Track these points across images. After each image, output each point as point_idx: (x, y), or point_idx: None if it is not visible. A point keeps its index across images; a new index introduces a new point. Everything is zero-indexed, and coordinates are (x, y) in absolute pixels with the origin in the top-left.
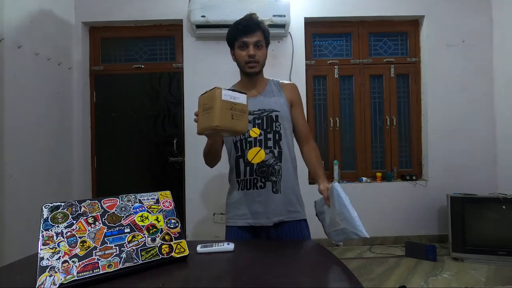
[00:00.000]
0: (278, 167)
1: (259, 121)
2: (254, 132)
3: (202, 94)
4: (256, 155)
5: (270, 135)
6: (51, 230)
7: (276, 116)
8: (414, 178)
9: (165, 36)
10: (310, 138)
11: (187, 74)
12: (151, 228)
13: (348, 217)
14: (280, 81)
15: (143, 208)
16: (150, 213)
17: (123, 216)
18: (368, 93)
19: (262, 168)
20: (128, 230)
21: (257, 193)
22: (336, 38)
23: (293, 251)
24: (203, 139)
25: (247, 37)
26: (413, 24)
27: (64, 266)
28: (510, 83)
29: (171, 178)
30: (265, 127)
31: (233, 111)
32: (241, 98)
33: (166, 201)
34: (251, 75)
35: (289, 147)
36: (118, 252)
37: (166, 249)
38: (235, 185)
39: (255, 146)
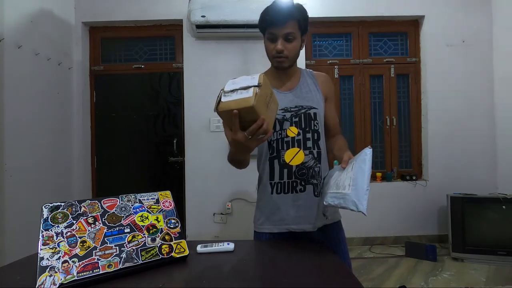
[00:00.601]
0: (318, 169)
1: (297, 119)
2: (292, 131)
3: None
4: (295, 156)
5: (309, 135)
6: (51, 230)
7: (315, 114)
8: (414, 178)
9: (165, 36)
10: (339, 134)
11: (187, 74)
12: (151, 228)
13: (360, 187)
14: (314, 72)
15: (143, 208)
16: (150, 213)
17: (123, 216)
18: (368, 93)
19: (301, 170)
20: (128, 230)
21: (296, 197)
22: (336, 38)
23: (293, 251)
24: (203, 139)
25: (276, 29)
26: (413, 24)
27: (64, 266)
28: (510, 83)
29: (171, 178)
30: (303, 126)
31: None
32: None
33: (166, 201)
34: (281, 69)
35: (324, 146)
36: (118, 252)
37: (166, 249)
38: (267, 188)
39: (292, 146)
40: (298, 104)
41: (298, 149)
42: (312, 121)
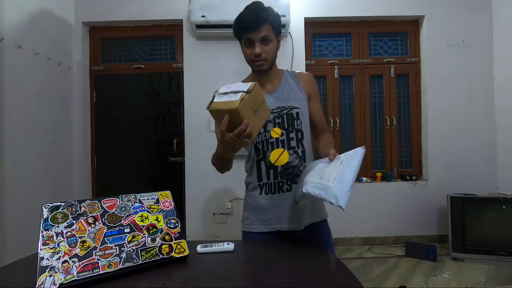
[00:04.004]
0: (303, 168)
1: (279, 120)
2: (276, 132)
3: (222, 99)
4: (280, 157)
5: (292, 134)
6: (51, 230)
7: (297, 114)
8: (414, 178)
9: (165, 36)
10: (326, 130)
11: (187, 74)
12: (151, 228)
13: (345, 183)
14: (296, 71)
15: (143, 208)
16: (150, 213)
17: (123, 216)
18: (368, 93)
19: (287, 170)
20: (128, 230)
21: (283, 196)
22: (336, 38)
23: (293, 251)
24: (203, 139)
25: (252, 33)
26: (413, 24)
27: (64, 266)
28: (510, 83)
29: (171, 178)
30: (286, 126)
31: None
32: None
33: (166, 201)
34: (261, 72)
35: (310, 145)
36: (118, 252)
37: (166, 249)
38: (257, 189)
39: (277, 147)
40: (280, 105)
41: (283, 149)
42: (295, 121)
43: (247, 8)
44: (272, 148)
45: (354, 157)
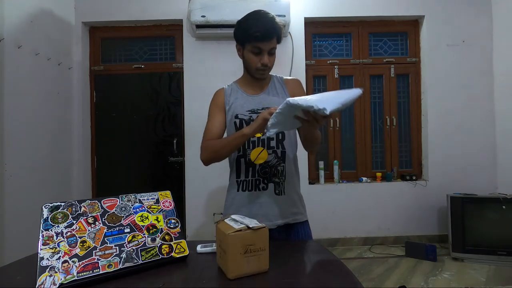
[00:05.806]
0: (281, 168)
1: None
2: None
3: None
4: (259, 155)
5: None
6: (51, 230)
7: None
8: (414, 178)
9: (165, 36)
10: None
11: (187, 74)
12: (151, 228)
13: (333, 98)
14: (284, 77)
15: (143, 208)
16: (150, 213)
17: (123, 216)
18: (368, 93)
19: (264, 169)
20: (128, 230)
21: (259, 194)
22: (336, 38)
23: (293, 251)
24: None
25: (263, 44)
26: (413, 24)
27: (64, 266)
28: (510, 83)
29: (171, 178)
30: None
31: None
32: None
33: (166, 201)
34: (262, 79)
35: (292, 147)
36: (118, 252)
37: (166, 249)
38: (235, 186)
39: (258, 146)
40: (265, 106)
41: (262, 148)
42: None
43: (259, 18)
44: (253, 146)
45: (348, 91)
